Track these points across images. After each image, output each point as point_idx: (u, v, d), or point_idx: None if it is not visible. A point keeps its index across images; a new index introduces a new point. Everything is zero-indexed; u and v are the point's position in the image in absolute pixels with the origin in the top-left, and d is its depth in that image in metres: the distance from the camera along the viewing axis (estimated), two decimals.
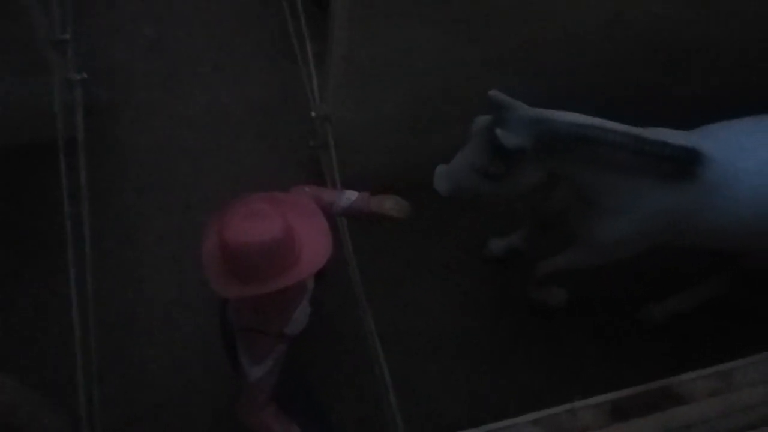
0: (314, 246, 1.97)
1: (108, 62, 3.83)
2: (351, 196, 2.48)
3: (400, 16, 2.63)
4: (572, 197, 2.81)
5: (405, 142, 3.35)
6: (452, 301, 3.48)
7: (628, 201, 2.59)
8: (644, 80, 3.29)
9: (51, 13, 3.11)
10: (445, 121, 3.20)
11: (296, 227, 1.95)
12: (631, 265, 3.05)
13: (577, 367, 3.39)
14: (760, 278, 3.33)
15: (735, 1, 2.98)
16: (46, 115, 2.99)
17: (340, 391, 3.19)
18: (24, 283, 3.27)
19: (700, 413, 2.20)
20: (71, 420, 2.52)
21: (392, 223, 2.53)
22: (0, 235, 3.33)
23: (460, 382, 3.31)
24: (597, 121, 2.41)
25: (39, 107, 3.13)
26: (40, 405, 2.43)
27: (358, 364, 3.15)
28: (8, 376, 2.30)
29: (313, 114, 3.26)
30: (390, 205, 2.47)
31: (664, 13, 2.95)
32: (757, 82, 3.35)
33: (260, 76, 3.94)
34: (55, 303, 3.17)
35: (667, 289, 3.45)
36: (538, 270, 3.17)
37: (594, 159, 2.44)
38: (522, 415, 2.14)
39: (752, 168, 2.56)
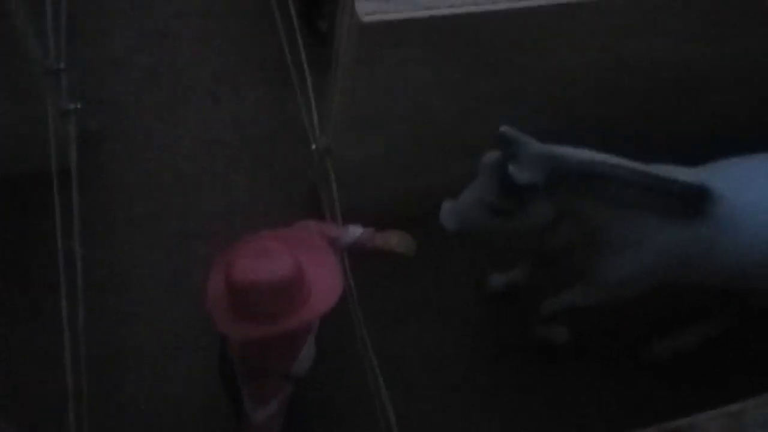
0: (324, 284, 1.93)
1: (102, 92, 3.76)
2: (356, 231, 2.43)
3: (404, 53, 2.60)
4: (579, 234, 2.77)
5: (406, 176, 3.31)
6: (453, 337, 3.41)
7: (636, 238, 2.56)
8: (648, 117, 3.29)
9: (45, 41, 3.05)
10: (448, 157, 3.16)
11: (305, 265, 1.90)
12: (634, 301, 3.00)
13: (579, 406, 3.33)
14: (766, 315, 3.30)
15: (738, 37, 2.99)
16: (39, 145, 2.91)
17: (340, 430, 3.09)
18: (13, 317, 3.16)
19: None
20: None
21: (397, 259, 2.48)
22: None
23: (460, 422, 3.24)
24: (607, 157, 2.39)
25: (32, 137, 3.06)
26: None
27: (358, 403, 3.06)
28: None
29: (313, 146, 3.22)
30: (396, 241, 2.43)
31: (665, 55, 2.95)
32: (763, 119, 3.36)
33: (257, 105, 3.89)
34: (45, 338, 3.05)
35: (671, 326, 3.41)
36: (543, 309, 3.12)
37: (604, 195, 2.41)
38: None
39: (763, 205, 2.54)
